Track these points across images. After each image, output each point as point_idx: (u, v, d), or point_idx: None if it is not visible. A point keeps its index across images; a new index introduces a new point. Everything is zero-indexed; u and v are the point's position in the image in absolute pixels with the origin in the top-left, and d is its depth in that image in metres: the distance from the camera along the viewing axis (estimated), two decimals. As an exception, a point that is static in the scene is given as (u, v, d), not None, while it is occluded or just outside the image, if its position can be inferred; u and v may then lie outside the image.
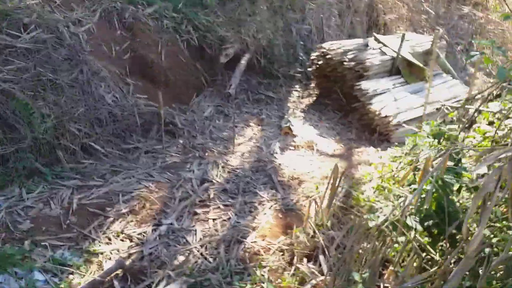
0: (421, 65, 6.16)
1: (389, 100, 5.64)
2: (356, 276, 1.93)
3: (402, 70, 6.07)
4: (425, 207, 1.86)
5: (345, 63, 6.06)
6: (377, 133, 5.60)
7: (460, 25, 10.73)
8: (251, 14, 7.31)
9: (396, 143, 5.35)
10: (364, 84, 5.80)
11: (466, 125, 2.52)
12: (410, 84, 5.97)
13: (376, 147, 5.33)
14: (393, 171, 3.78)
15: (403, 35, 5.91)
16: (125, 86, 5.14)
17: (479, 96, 3.10)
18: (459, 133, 2.42)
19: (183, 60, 6.10)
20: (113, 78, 5.02)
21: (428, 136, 2.56)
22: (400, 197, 3.38)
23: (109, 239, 3.46)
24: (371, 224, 2.10)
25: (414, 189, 2.09)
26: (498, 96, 2.94)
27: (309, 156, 5.15)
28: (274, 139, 5.48)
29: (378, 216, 2.13)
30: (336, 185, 1.82)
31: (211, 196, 4.11)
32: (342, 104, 6.40)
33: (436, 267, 1.77)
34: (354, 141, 5.66)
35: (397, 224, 2.02)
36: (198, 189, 4.16)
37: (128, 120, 4.85)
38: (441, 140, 2.27)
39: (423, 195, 2.04)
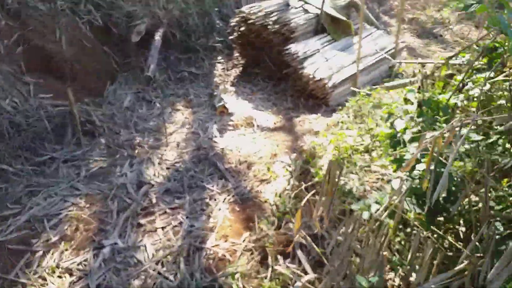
0: (345, 19, 5.96)
1: (320, 61, 5.40)
2: (363, 282, 1.64)
3: (328, 27, 5.83)
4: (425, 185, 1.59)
5: (269, 26, 5.65)
6: (314, 97, 5.37)
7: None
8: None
9: (335, 106, 5.20)
10: (293, 47, 5.47)
11: (459, 89, 2.29)
12: (338, 41, 5.76)
13: (316, 113, 5.11)
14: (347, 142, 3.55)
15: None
16: (23, 86, 4.29)
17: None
18: (450, 98, 2.19)
19: (88, 45, 5.27)
20: (7, 78, 4.14)
21: (406, 103, 2.29)
22: (365, 168, 3.17)
23: (44, 279, 2.86)
24: (365, 215, 1.81)
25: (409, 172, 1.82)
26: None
27: (251, 133, 4.77)
28: (210, 121, 5.01)
29: (370, 205, 1.84)
30: (333, 189, 1.50)
31: (154, 200, 3.60)
32: (272, 71, 6.05)
33: (465, 263, 1.53)
34: (292, 110, 5.38)
35: (397, 211, 1.76)
36: (136, 195, 3.63)
37: (35, 128, 4.06)
38: (424, 108, 2.02)
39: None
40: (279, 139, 4.56)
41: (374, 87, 4.60)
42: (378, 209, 1.83)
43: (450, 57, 2.84)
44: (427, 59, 6.42)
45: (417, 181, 1.81)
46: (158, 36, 5.93)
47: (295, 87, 5.62)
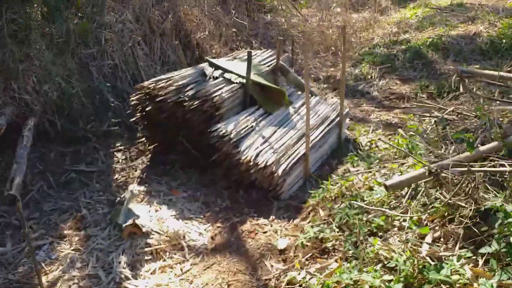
0: (276, 87, 4.89)
1: (258, 141, 4.15)
2: None
3: (258, 98, 4.68)
4: None
5: (185, 103, 4.31)
6: (257, 187, 4.05)
7: (268, 33, 10.23)
8: (23, 59, 4.87)
9: (291, 201, 3.92)
10: (222, 127, 4.16)
11: None
12: (273, 114, 4.61)
13: (266, 213, 3.76)
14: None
15: (249, 54, 4.51)
16: None
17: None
18: None
19: None
20: None
21: None
22: None
23: None
24: None
25: None
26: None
27: (180, 263, 3.21)
28: (115, 251, 3.34)
29: None
30: None
31: None
32: (194, 158, 4.63)
33: None
34: (231, 210, 3.97)
35: None
36: None
37: None
38: None
39: None
40: (226, 269, 3.07)
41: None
42: None
43: None
44: (368, 123, 5.59)
45: None
46: (27, 131, 4.19)
47: (229, 176, 4.26)
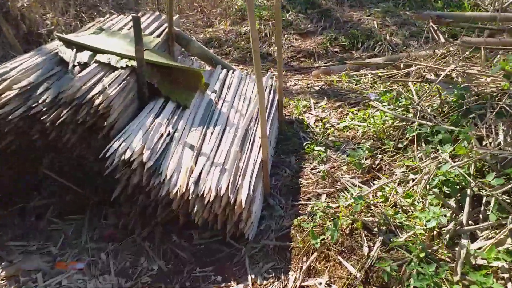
0: (188, 67, 3.30)
1: (187, 156, 2.61)
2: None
3: (160, 85, 3.04)
4: None
5: (42, 116, 2.47)
6: (205, 230, 2.56)
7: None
8: None
9: (263, 243, 2.54)
10: (124, 145, 2.49)
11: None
12: (189, 107, 3.06)
13: (239, 274, 2.34)
14: None
15: (136, 19, 2.78)
16: None
17: None
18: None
19: None
20: None
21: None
22: None
23: None
24: None
25: None
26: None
27: None
28: None
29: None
30: None
31: None
32: (78, 196, 2.87)
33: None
34: (175, 277, 2.42)
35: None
36: None
37: None
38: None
39: None
40: None
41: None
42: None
43: None
44: (296, 94, 4.43)
45: None
46: None
47: (151, 217, 2.67)
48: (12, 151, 2.72)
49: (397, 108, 3.14)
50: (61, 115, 2.51)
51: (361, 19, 5.86)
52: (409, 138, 2.71)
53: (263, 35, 6.18)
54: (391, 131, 2.96)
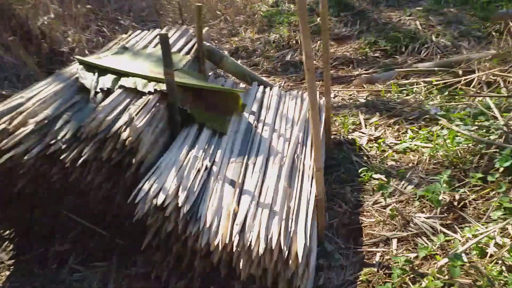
0: (224, 87, 2.92)
1: (228, 197, 2.21)
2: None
3: (193, 111, 2.66)
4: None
5: (61, 155, 2.13)
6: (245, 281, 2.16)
7: (137, 5, 7.86)
8: None
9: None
10: (155, 188, 2.11)
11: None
12: (226, 133, 2.67)
13: None
14: None
15: (164, 38, 2.41)
16: None
17: None
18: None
19: None
20: None
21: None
22: None
23: None
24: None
25: None
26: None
27: None
28: None
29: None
30: None
31: None
32: (103, 240, 2.52)
33: None
34: None
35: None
36: None
37: None
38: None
39: None
40: None
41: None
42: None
43: None
44: (340, 108, 3.99)
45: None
46: None
47: (190, 266, 2.28)
48: (28, 193, 2.40)
49: (472, 126, 2.66)
50: (83, 153, 2.16)
51: (401, 20, 5.37)
52: (500, 168, 2.24)
53: (294, 42, 5.76)
54: (468, 156, 2.49)
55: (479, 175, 2.26)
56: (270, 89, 3.25)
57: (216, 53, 3.37)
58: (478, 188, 2.28)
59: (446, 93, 3.59)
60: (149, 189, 2.11)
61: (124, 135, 2.21)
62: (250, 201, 2.19)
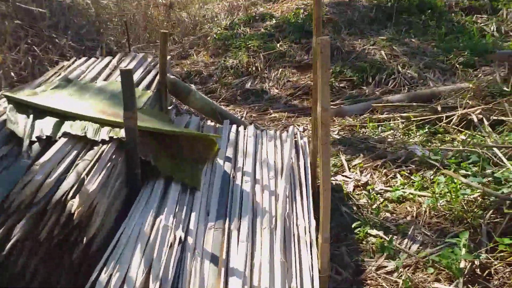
0: (200, 133, 2.44)
1: (211, 279, 1.73)
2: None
3: (158, 163, 2.16)
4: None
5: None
6: None
7: (75, 21, 7.07)
8: None
9: None
10: (118, 276, 1.58)
11: None
12: (199, 189, 2.19)
13: None
14: None
15: (127, 73, 1.89)
16: None
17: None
18: None
19: None
20: None
21: None
22: None
23: None
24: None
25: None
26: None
27: None
28: None
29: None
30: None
31: None
32: None
33: None
34: None
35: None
36: None
37: None
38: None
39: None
40: None
41: None
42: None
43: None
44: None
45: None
46: None
47: None
48: None
49: (479, 176, 2.40)
50: (13, 234, 1.58)
51: (365, 49, 5.21)
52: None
53: (253, 68, 5.41)
54: (477, 210, 2.22)
55: (508, 240, 1.97)
56: (245, 129, 2.82)
57: (182, 87, 2.90)
58: (504, 253, 1.99)
59: (426, 130, 3.38)
60: (108, 281, 1.57)
61: (72, 205, 1.66)
62: (241, 285, 1.72)
